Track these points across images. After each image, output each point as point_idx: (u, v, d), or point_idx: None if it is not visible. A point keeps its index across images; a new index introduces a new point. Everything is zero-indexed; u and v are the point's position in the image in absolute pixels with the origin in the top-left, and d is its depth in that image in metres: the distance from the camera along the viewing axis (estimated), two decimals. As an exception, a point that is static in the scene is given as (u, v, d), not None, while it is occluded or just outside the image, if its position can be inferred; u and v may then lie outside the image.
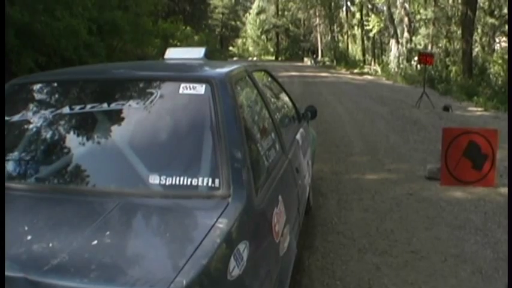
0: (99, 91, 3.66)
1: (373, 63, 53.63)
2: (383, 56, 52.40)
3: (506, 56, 29.96)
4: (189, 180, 2.81)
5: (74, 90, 3.70)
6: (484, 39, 38.36)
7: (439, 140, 8.40)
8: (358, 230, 6.26)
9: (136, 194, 2.87)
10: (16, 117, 3.41)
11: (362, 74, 44.16)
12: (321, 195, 7.63)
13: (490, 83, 27.37)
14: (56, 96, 3.74)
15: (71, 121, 3.39)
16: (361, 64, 53.88)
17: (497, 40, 38.86)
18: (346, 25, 66.59)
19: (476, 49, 36.28)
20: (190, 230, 2.59)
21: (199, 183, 2.80)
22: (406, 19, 42.36)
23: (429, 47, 38.89)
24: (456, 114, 17.14)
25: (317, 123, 13.85)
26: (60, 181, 3.09)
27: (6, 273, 2.01)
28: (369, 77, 40.18)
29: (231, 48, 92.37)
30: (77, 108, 3.35)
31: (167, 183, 2.81)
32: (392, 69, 40.65)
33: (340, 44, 67.26)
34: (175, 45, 33.08)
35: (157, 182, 2.82)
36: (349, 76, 40.72)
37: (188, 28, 40.42)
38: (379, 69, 45.29)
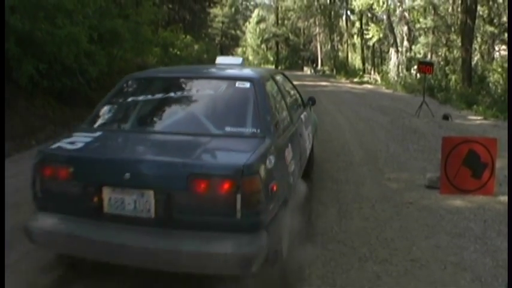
0: (188, 83, 6.30)
1: (372, 72, 53.73)
2: (383, 65, 52.48)
3: (505, 65, 30.06)
4: (238, 128, 5.25)
5: (173, 82, 6.37)
6: (483, 47, 38.44)
7: (439, 149, 8.42)
8: (359, 238, 6.28)
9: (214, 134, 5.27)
10: (131, 98, 6.09)
11: (362, 83, 44.22)
12: (321, 204, 7.64)
13: (489, 91, 27.47)
14: (159, 85, 6.40)
15: (171, 100, 5.97)
16: (361, 73, 53.98)
17: (496, 48, 38.91)
18: (346, 34, 66.74)
19: (476, 57, 36.36)
20: (247, 146, 4.83)
21: (247, 131, 5.23)
22: (405, 28, 42.43)
23: (429, 56, 38.99)
24: (456, 122, 17.17)
25: (317, 132, 13.95)
26: (167, 128, 5.54)
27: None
28: (369, 86, 40.24)
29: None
30: (177, 93, 6.08)
31: (233, 131, 5.23)
32: (392, 78, 40.73)
33: (340, 53, 67.41)
34: (175, 54, 33.27)
35: (229, 130, 5.25)
36: (349, 85, 40.74)
37: (188, 37, 40.46)
38: (378, 78, 45.39)
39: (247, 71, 7.11)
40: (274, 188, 4.69)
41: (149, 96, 6.06)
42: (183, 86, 6.25)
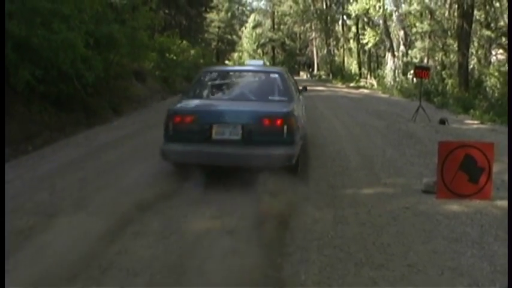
0: (242, 74, 11.43)
1: (369, 76, 53.70)
2: (379, 70, 52.48)
3: (502, 69, 30.11)
4: (275, 97, 9.92)
5: (231, 73, 11.73)
6: (480, 51, 38.43)
7: (435, 154, 8.42)
8: (355, 244, 6.28)
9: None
10: (209, 81, 10.76)
11: (358, 87, 44.27)
12: (318, 209, 7.65)
13: (486, 95, 27.52)
14: (223, 73, 11.67)
15: (232, 84, 10.76)
16: (357, 78, 53.97)
17: (493, 53, 38.92)
18: (342, 39, 66.68)
19: (473, 62, 36.37)
20: (283, 105, 9.44)
21: (277, 98, 9.86)
22: (401, 32, 42.45)
23: (425, 60, 38.99)
24: (452, 127, 17.19)
25: (314, 137, 13.95)
26: (237, 97, 10.13)
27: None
28: (365, 91, 40.30)
29: (227, 62, 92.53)
30: (237, 79, 11.03)
31: (272, 99, 9.88)
32: (389, 83, 40.74)
33: (336, 58, 67.37)
34: (172, 59, 33.36)
35: (270, 98, 9.92)
36: (345, 90, 40.80)
37: (184, 42, 40.47)
38: (375, 83, 45.42)
39: (272, 68, 14.08)
40: (300, 126, 9.59)
41: (221, 81, 11.12)
42: (240, 75, 11.47)
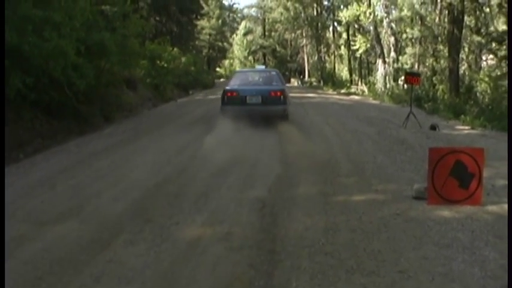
0: (258, 73, 22.41)
1: (360, 83, 53.83)
2: (370, 76, 52.57)
3: (492, 74, 30.22)
4: (274, 83, 19.59)
5: (250, 72, 24.62)
6: (470, 57, 38.52)
7: (426, 160, 8.41)
8: (346, 250, 6.28)
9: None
10: (239, 76, 21.39)
11: (349, 94, 44.26)
12: (309, 216, 7.64)
13: (477, 101, 27.55)
14: (245, 72, 25.92)
15: (250, 79, 20.86)
16: (348, 84, 54.05)
17: (483, 58, 39.03)
18: (333, 45, 66.81)
19: (463, 67, 36.47)
20: (280, 87, 19.13)
21: (275, 84, 19.52)
22: (392, 38, 42.55)
23: (416, 66, 39.05)
24: (443, 133, 17.21)
25: (304, 145, 13.98)
26: (255, 85, 19.83)
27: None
28: (356, 97, 40.28)
29: (218, 69, 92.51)
30: (255, 76, 21.44)
31: (275, 84, 19.45)
32: (379, 89, 40.77)
33: (327, 64, 67.39)
34: (163, 67, 33.51)
35: (274, 84, 19.60)
36: (336, 96, 40.76)
37: (175, 49, 40.51)
38: (366, 89, 45.45)
39: (271, 69, 27.83)
40: (287, 96, 18.75)
41: (245, 76, 21.62)
42: (254, 73, 22.58)
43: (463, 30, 33.10)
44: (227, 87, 18.67)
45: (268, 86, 18.88)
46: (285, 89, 19.11)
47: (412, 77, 20.41)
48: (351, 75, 59.55)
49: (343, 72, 64.73)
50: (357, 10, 45.04)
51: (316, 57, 68.19)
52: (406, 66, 40.56)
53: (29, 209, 8.09)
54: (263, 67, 30.99)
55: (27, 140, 13.74)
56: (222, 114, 17.52)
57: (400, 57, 42.94)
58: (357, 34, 54.01)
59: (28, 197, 8.82)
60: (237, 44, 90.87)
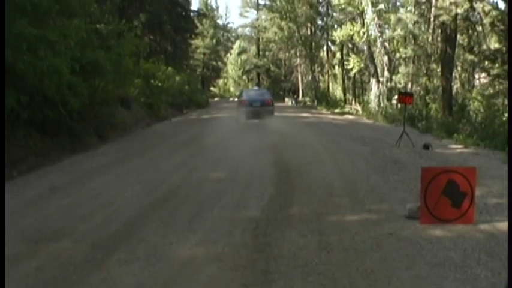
0: (257, 91, 41.29)
1: (353, 102, 53.88)
2: (364, 95, 52.68)
3: (486, 93, 30.41)
4: (267, 96, 33.30)
5: (252, 90, 42.26)
6: (463, 75, 38.73)
7: (419, 179, 8.45)
8: (339, 270, 6.29)
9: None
10: (245, 93, 35.55)
11: (343, 113, 44.30)
12: (302, 236, 7.65)
13: (470, 119, 27.67)
14: (248, 92, 37.23)
15: (252, 94, 34.89)
16: (342, 104, 54.11)
17: (476, 76, 39.20)
18: (326, 65, 66.82)
19: (456, 86, 36.63)
20: (270, 98, 33.24)
21: (267, 96, 33.30)
22: (386, 58, 42.66)
23: (409, 85, 39.12)
24: (436, 152, 17.24)
25: (298, 165, 13.99)
26: (256, 97, 32.94)
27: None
28: (350, 117, 40.34)
29: (212, 88, 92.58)
30: (255, 93, 35.80)
31: (267, 98, 33.00)
32: (373, 109, 40.83)
33: (321, 84, 67.41)
34: (157, 86, 33.85)
35: (267, 97, 33.15)
36: (330, 116, 40.83)
37: (170, 68, 40.64)
38: (359, 109, 45.51)
39: (264, 89, 49.99)
40: (273, 103, 32.96)
41: (250, 92, 37.28)
42: (256, 91, 38.79)
43: (456, 49, 33.38)
44: (240, 98, 34.10)
45: (263, 97, 32.69)
46: (272, 99, 33.68)
47: (405, 96, 20.54)
48: (344, 94, 59.57)
49: (337, 91, 64.72)
50: (350, 30, 45.20)
51: (310, 77, 68.19)
52: (399, 86, 40.61)
53: (23, 227, 8.09)
54: (257, 88, 54.40)
55: (21, 158, 13.74)
56: (237, 112, 32.27)
57: (394, 77, 42.97)
58: (350, 54, 54.12)
59: (22, 216, 8.82)
60: (231, 64, 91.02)
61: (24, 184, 11.74)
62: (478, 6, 30.00)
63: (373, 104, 42.10)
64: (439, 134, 23.30)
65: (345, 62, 55.42)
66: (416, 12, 38.50)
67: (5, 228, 6.21)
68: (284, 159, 15.26)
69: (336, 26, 55.50)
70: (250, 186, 11.39)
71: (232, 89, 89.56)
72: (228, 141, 16.62)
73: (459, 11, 29.76)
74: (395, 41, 43.46)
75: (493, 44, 33.51)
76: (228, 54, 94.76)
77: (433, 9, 34.18)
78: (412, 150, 17.15)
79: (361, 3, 42.66)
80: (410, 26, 38.44)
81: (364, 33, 43.98)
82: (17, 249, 7.00)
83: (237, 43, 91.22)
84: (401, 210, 8.86)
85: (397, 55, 42.08)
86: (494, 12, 28.85)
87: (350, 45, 54.46)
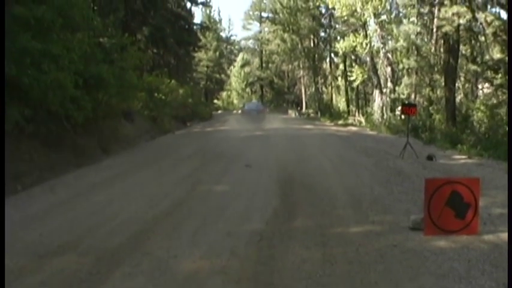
0: (254, 103, 64.18)
1: (357, 114, 53.88)
2: (367, 107, 52.75)
3: (489, 103, 30.32)
4: (261, 107, 56.43)
5: (251, 104, 60.75)
6: (466, 86, 38.66)
7: (423, 190, 8.45)
8: (343, 282, 6.30)
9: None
10: (245, 106, 59.18)
11: (346, 125, 44.33)
12: (306, 248, 7.66)
13: (473, 130, 27.63)
14: (249, 104, 61.00)
15: (252, 107, 54.47)
16: (346, 115, 54.17)
17: (479, 87, 39.14)
18: (330, 76, 66.84)
19: (459, 96, 36.55)
20: (265, 108, 59.46)
21: (262, 107, 56.42)
22: (389, 69, 42.65)
23: (412, 96, 39.08)
24: (440, 163, 17.24)
25: (302, 177, 13.98)
26: (253, 108, 53.43)
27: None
28: (353, 128, 40.33)
29: (215, 101, 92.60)
30: (253, 105, 58.27)
31: (262, 108, 55.64)
32: (377, 120, 40.81)
33: (324, 96, 67.46)
34: (160, 99, 33.66)
35: (261, 108, 55.46)
36: (334, 128, 40.81)
37: (173, 81, 40.69)
38: (363, 120, 45.51)
39: (259, 102, 70.97)
40: (264, 111, 52.13)
41: (249, 105, 58.34)
42: (254, 103, 62.07)
43: (459, 60, 33.35)
44: (243, 108, 55.08)
45: (258, 108, 50.10)
46: (264, 108, 53.25)
47: (408, 107, 20.57)
48: (348, 106, 59.59)
49: (341, 103, 64.73)
50: (353, 41, 45.15)
51: (313, 89, 68.33)
52: (402, 96, 40.57)
53: (28, 241, 8.09)
54: (256, 101, 70.90)
55: (25, 172, 13.73)
56: (241, 115, 49.14)
57: (397, 88, 42.94)
58: (353, 65, 54.19)
59: (26, 230, 8.82)
60: (235, 76, 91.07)
61: (28, 198, 11.73)
62: (481, 16, 29.99)
63: (376, 115, 42.07)
64: (443, 144, 23.27)
65: (348, 74, 55.41)
66: (419, 23, 38.47)
67: (4, 242, 6.20)
68: (288, 171, 15.23)
69: (338, 37, 55.55)
70: (254, 199, 11.39)
71: (235, 101, 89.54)
72: (232, 154, 16.61)
73: (462, 21, 29.74)
74: (398, 52, 43.42)
75: (496, 54, 33.46)
76: (231, 67, 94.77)
77: (435, 20, 34.25)
78: (415, 161, 17.15)
79: (364, 14, 42.57)
80: (413, 37, 38.45)
81: (367, 44, 43.95)
82: (21, 263, 7.00)
83: (240, 55, 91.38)
84: (405, 221, 8.85)
85: (400, 66, 42.04)
86: (496, 22, 28.80)
87: (353, 57, 54.55)
